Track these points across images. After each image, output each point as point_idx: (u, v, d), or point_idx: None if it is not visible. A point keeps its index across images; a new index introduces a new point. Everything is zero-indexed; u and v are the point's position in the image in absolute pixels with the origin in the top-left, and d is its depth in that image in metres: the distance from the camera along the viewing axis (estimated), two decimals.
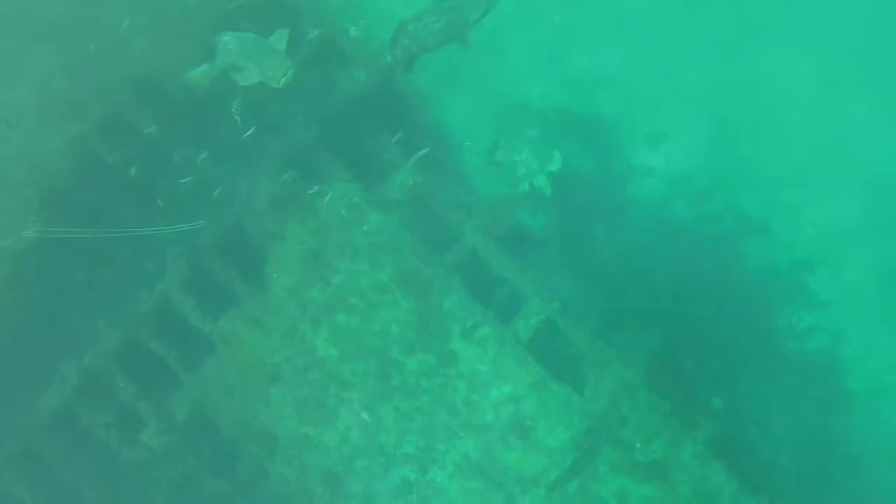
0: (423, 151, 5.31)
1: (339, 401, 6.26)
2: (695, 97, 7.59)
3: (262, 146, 6.53)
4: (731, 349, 7.48)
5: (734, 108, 7.55)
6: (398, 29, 4.49)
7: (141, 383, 6.71)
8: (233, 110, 6.18)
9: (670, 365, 5.87)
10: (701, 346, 7.40)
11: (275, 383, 6.43)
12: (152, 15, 6.78)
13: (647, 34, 7.60)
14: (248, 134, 5.97)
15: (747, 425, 7.13)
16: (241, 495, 6.23)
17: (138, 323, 6.77)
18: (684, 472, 5.69)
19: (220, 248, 6.65)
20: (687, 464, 5.70)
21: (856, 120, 7.47)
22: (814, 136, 7.49)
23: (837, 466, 7.26)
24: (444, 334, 6.27)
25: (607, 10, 7.45)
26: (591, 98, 7.67)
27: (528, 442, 5.91)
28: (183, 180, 6.50)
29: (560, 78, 7.71)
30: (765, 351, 7.63)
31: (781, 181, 7.48)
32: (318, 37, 6.67)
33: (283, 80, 4.73)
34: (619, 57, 7.62)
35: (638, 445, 5.72)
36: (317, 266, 6.45)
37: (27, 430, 6.62)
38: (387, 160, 6.49)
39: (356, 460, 6.11)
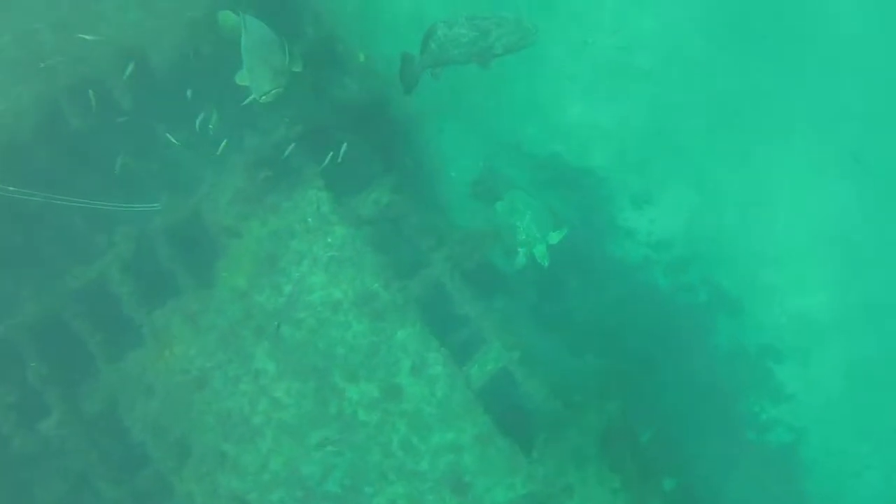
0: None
1: (266, 420, 5.74)
2: (686, 164, 7.50)
3: (238, 139, 6.19)
4: (692, 428, 7.17)
5: (722, 180, 7.47)
6: (429, 32, 4.32)
7: (53, 365, 6.12)
8: (209, 126, 5.89)
9: (626, 436, 5.51)
10: (660, 420, 7.08)
11: (200, 390, 5.90)
12: None
13: (648, 95, 7.55)
14: (220, 148, 5.68)
15: None
16: None
17: (65, 299, 6.22)
18: None
19: (172, 234, 6.20)
20: None
21: (841, 210, 7.43)
22: (798, 221, 7.43)
23: None
24: (393, 366, 5.85)
25: (611, 65, 7.39)
26: (583, 149, 7.53)
27: (463, 499, 5.46)
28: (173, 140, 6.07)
29: (555, 123, 7.58)
30: (725, 435, 7.34)
31: (760, 261, 7.36)
32: (321, 42, 6.47)
33: (264, 98, 4.45)
34: (617, 113, 7.53)
35: None
36: (271, 271, 6.03)
37: None
38: (364, 174, 6.17)
39: (273, 491, 5.56)
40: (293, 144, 5.84)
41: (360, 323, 5.89)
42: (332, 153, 5.63)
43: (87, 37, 5.89)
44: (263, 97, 4.48)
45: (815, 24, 7.56)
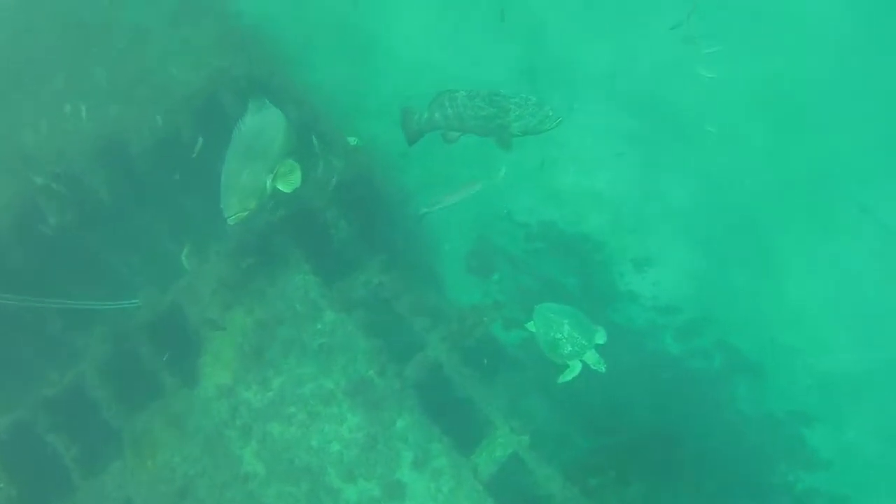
0: None
1: None
2: (687, 225, 7.31)
3: (218, 224, 5.99)
4: None
5: (728, 239, 7.24)
6: (448, 94, 4.19)
7: (24, 486, 5.62)
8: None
9: None
10: (686, 501, 6.49)
11: (183, 501, 5.37)
12: (131, 81, 6.55)
13: (640, 157, 7.47)
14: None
15: None
16: None
17: (39, 409, 5.80)
18: None
19: (152, 331, 5.87)
20: None
21: (854, 265, 7.17)
22: (811, 279, 7.14)
23: None
24: (393, 460, 5.37)
25: (598, 130, 7.37)
26: (577, 215, 7.37)
27: None
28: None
29: (547, 192, 7.46)
30: None
31: (776, 322, 7.00)
32: (304, 124, 6.43)
33: (231, 219, 4.08)
34: (610, 177, 7.43)
35: None
36: (258, 364, 5.65)
37: None
38: (352, 256, 5.94)
39: None
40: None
41: (354, 415, 5.47)
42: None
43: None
44: (230, 219, 4.06)
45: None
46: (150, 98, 6.37)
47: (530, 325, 5.42)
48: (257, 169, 4.07)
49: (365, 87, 7.75)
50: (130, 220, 6.49)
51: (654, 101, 7.73)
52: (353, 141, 6.37)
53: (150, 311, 5.82)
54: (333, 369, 5.55)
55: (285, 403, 5.53)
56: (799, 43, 7.89)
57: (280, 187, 4.17)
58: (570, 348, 5.22)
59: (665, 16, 7.54)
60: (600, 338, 5.22)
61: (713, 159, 7.46)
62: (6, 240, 6.27)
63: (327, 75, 7.64)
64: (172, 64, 6.69)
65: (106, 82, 6.55)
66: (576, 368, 5.33)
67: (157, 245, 6.60)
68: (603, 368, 5.27)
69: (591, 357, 5.25)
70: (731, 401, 6.82)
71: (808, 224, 7.33)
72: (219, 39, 6.69)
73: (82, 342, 6.25)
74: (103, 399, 5.74)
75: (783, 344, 6.95)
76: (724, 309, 7.10)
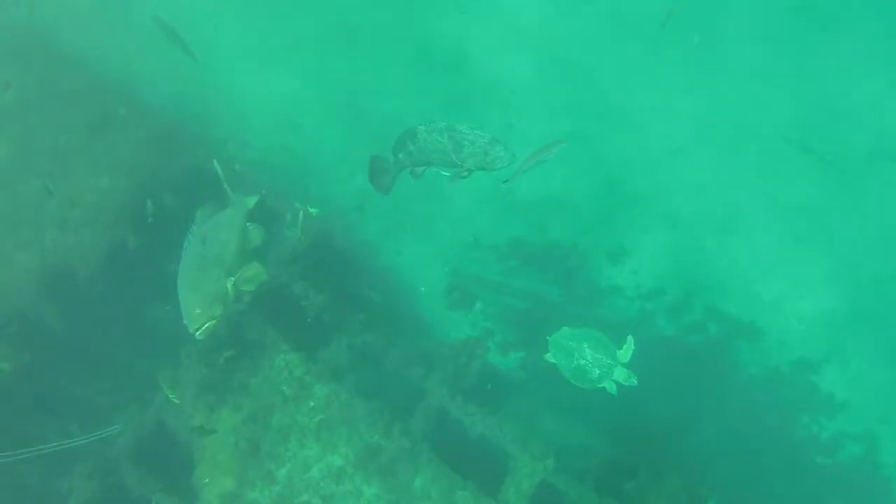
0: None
1: None
2: (646, 208, 7.35)
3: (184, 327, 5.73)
4: (757, 476, 6.43)
5: (688, 211, 7.29)
6: (409, 133, 4.13)
7: None
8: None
9: None
10: (721, 479, 6.33)
11: None
12: (62, 204, 6.30)
13: (585, 152, 7.53)
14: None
15: None
16: None
17: None
18: None
19: (138, 454, 5.51)
20: None
21: (812, 204, 7.28)
22: (776, 227, 7.21)
23: None
24: None
25: (540, 137, 7.40)
26: (542, 224, 7.33)
27: None
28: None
29: (507, 208, 7.42)
30: (794, 472, 6.60)
31: (755, 278, 7.03)
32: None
33: (199, 333, 3.95)
34: (562, 177, 7.44)
35: None
36: (257, 460, 5.35)
37: None
38: (330, 322, 5.74)
39: None
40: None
41: (370, 486, 5.19)
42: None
43: None
44: (197, 332, 3.89)
45: None
46: (85, 217, 6.14)
47: (548, 357, 5.20)
48: (216, 275, 3.89)
49: (304, 151, 7.66)
50: (92, 345, 6.15)
51: (583, 99, 7.85)
52: (313, 211, 6.26)
53: (133, 434, 5.48)
54: (338, 444, 5.28)
55: (296, 493, 5.22)
56: None
57: (244, 288, 4.00)
58: (597, 371, 4.99)
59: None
60: (625, 354, 5.01)
61: (652, 137, 7.57)
62: None
63: (263, 148, 7.55)
64: (103, 177, 6.48)
65: (34, 212, 6.30)
66: (611, 390, 5.10)
67: (125, 364, 6.26)
68: (636, 382, 5.05)
69: (622, 374, 5.03)
70: (736, 367, 6.77)
71: (758, 170, 7.44)
72: (144, 140, 6.53)
73: (65, 487, 5.84)
74: None
75: (768, 297, 6.98)
76: (704, 277, 7.11)
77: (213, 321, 3.81)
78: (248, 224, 4.22)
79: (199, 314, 3.76)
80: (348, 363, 5.50)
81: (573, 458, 5.63)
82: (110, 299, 6.19)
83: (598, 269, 7.23)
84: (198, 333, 3.85)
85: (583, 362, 5.05)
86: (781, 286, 6.99)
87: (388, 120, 7.89)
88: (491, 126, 5.30)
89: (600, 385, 5.07)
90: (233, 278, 3.94)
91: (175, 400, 5.11)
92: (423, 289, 7.22)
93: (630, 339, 5.09)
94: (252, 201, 4.52)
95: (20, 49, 6.97)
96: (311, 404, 5.41)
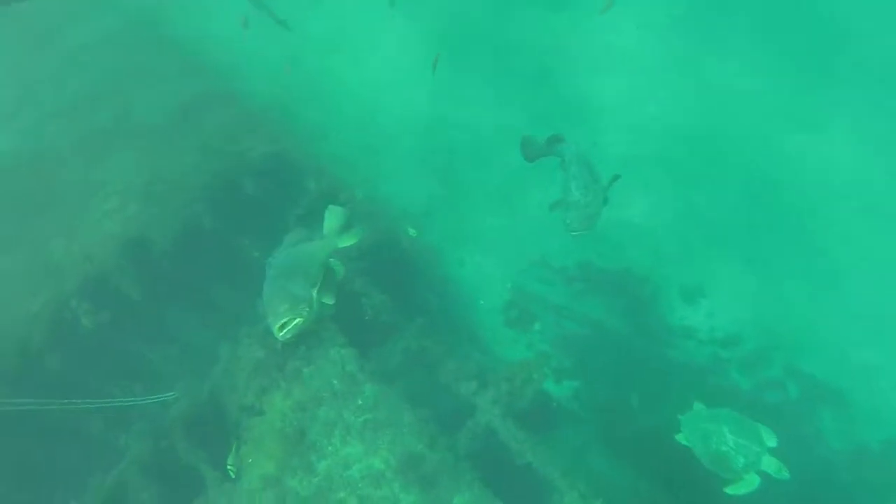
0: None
1: None
2: (732, 249, 6.88)
3: (251, 307, 5.86)
4: None
5: (777, 252, 6.75)
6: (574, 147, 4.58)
7: None
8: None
9: None
10: None
11: None
12: (148, 178, 6.62)
13: (670, 182, 7.16)
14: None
15: None
16: None
17: None
18: None
19: (190, 423, 5.66)
20: None
21: None
22: (879, 282, 6.55)
23: None
24: None
25: (623, 161, 7.11)
26: (615, 250, 7.02)
27: None
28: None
29: None
30: None
31: (847, 338, 6.41)
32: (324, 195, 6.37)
33: (283, 333, 3.95)
34: (643, 206, 7.11)
35: None
36: (300, 449, 5.34)
37: None
38: (388, 323, 5.69)
39: None
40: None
41: (408, 494, 5.06)
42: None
43: None
44: (282, 333, 3.86)
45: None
46: (168, 192, 6.42)
47: (681, 438, 4.77)
48: (301, 282, 3.90)
49: (381, 151, 7.72)
50: (162, 314, 6.42)
51: (673, 125, 7.49)
52: (412, 233, 6.35)
53: (188, 403, 5.64)
54: (380, 447, 5.19)
55: (334, 489, 5.17)
56: None
57: (325, 300, 4.00)
58: (742, 460, 4.42)
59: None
60: (771, 439, 4.43)
61: (743, 174, 7.09)
62: (43, 346, 6.26)
63: (343, 144, 7.66)
64: (188, 155, 6.77)
65: (123, 184, 6.64)
66: (753, 482, 4.46)
67: (191, 335, 6.49)
68: (787, 475, 4.42)
69: (771, 464, 4.42)
70: (818, 436, 6.17)
71: (862, 222, 6.80)
72: (233, 124, 6.76)
73: (122, 441, 6.11)
74: (146, 500, 5.51)
75: (860, 362, 6.33)
76: (788, 331, 6.55)
77: (300, 319, 3.78)
78: (330, 260, 4.22)
79: (285, 310, 3.75)
80: (401, 366, 5.43)
81: (622, 501, 5.31)
82: (182, 273, 6.43)
83: (670, 305, 6.83)
84: (282, 333, 3.81)
85: (724, 448, 4.45)
86: (880, 356, 6.32)
87: (466, 129, 7.85)
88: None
89: (744, 475, 4.44)
90: (316, 288, 3.94)
91: (232, 473, 5.18)
92: (482, 302, 7.08)
93: (770, 431, 4.49)
94: (346, 241, 4.49)
95: (128, 32, 7.42)
96: (360, 402, 5.36)
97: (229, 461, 5.18)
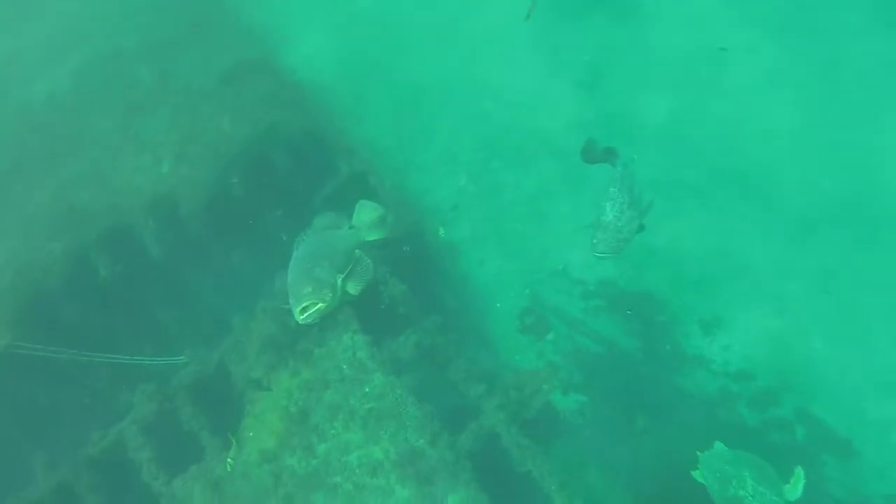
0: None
1: None
2: (758, 284, 6.78)
3: (269, 281, 5.86)
4: None
5: (805, 298, 6.64)
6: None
7: None
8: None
9: None
10: None
11: None
12: (183, 138, 6.62)
13: (704, 211, 7.06)
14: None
15: None
16: None
17: (81, 469, 5.64)
18: None
19: (196, 390, 5.68)
20: None
21: None
22: None
23: None
24: None
25: (657, 183, 7.00)
26: (638, 272, 6.94)
27: None
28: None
29: None
30: None
31: (864, 392, 6.30)
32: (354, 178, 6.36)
33: (304, 317, 3.78)
34: (671, 231, 7.01)
35: None
36: (303, 429, 5.36)
37: None
38: (404, 313, 5.67)
39: None
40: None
41: (404, 487, 5.06)
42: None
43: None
44: (302, 315, 3.72)
45: None
46: (202, 154, 6.42)
47: (697, 475, 4.67)
48: (327, 267, 3.82)
49: (415, 141, 7.68)
50: (180, 276, 6.44)
51: (716, 154, 7.37)
52: (441, 233, 6.31)
53: (196, 369, 5.66)
54: (382, 437, 5.19)
55: (331, 473, 5.18)
56: None
57: (349, 290, 3.91)
58: None
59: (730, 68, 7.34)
60: (795, 490, 4.29)
61: (784, 212, 6.97)
62: (58, 293, 6.31)
63: (378, 129, 7.62)
64: (225, 120, 6.77)
65: (157, 140, 6.67)
66: None
67: (205, 302, 6.51)
68: None
69: None
70: (819, 482, 6.08)
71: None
72: (272, 95, 6.75)
73: (126, 399, 6.14)
74: (144, 461, 5.54)
75: (874, 418, 6.22)
76: (804, 375, 6.45)
77: (323, 305, 3.70)
78: (357, 252, 4.14)
79: (308, 293, 3.66)
80: (412, 360, 5.41)
81: None
82: (205, 237, 6.44)
83: (686, 334, 6.75)
84: (303, 316, 3.73)
85: (741, 493, 4.32)
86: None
87: (507, 129, 7.78)
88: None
89: None
90: (342, 275, 3.86)
91: (230, 465, 5.18)
92: (498, 305, 7.03)
93: (800, 471, 4.31)
94: (374, 236, 4.42)
95: None
96: (367, 390, 5.36)
97: (230, 455, 5.19)
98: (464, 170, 7.39)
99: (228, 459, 5.23)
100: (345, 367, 5.48)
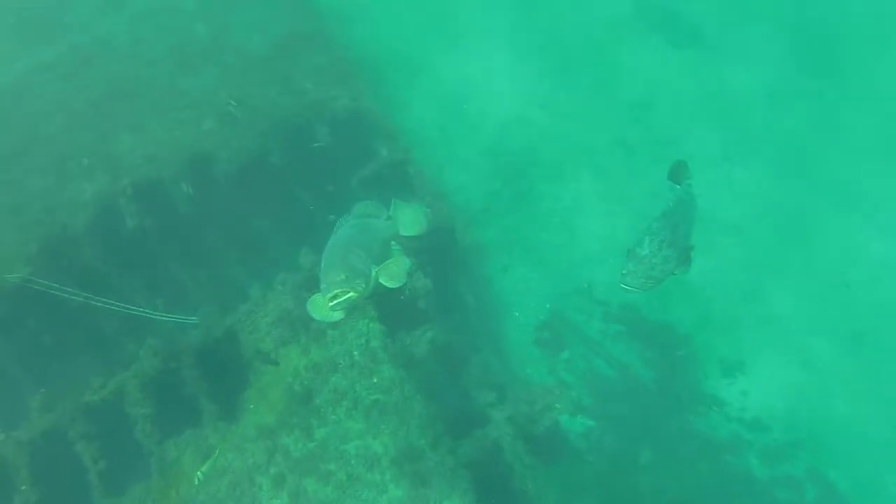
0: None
1: None
2: (785, 334, 6.58)
3: (292, 255, 5.76)
4: None
5: (834, 356, 6.43)
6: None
7: (47, 492, 5.34)
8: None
9: None
10: None
11: None
12: (228, 99, 6.55)
13: (740, 252, 6.87)
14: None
15: None
16: None
17: (75, 414, 5.56)
18: None
19: (203, 353, 5.58)
20: None
21: None
22: None
23: None
24: None
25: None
26: (662, 302, 6.76)
27: None
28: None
29: None
30: None
31: (885, 461, 6.07)
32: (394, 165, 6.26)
33: (333, 303, 3.63)
34: (704, 267, 6.81)
35: None
36: (304, 409, 5.23)
37: None
38: (423, 307, 5.53)
39: None
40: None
41: (398, 487, 4.91)
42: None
43: None
44: (332, 303, 3.58)
45: None
46: (246, 118, 6.35)
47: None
48: (363, 256, 3.68)
49: (456, 137, 7.57)
50: (203, 236, 6.36)
51: (755, 195, 7.17)
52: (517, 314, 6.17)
53: (206, 332, 5.57)
54: (383, 431, 5.05)
55: (326, 459, 5.05)
56: None
57: (383, 282, 3.76)
58: None
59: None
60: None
61: (826, 267, 6.75)
62: (81, 235, 6.26)
63: (422, 120, 7.52)
64: (273, 88, 6.70)
65: (203, 98, 6.61)
66: None
67: (225, 267, 6.43)
68: None
69: None
70: None
71: None
72: (322, 69, 6.66)
73: (132, 350, 6.07)
74: (140, 417, 5.46)
75: (892, 490, 6.00)
76: (823, 435, 6.23)
77: (355, 294, 3.55)
78: (395, 246, 4.00)
79: (341, 280, 3.51)
80: (425, 357, 5.27)
81: None
82: (236, 202, 6.36)
83: (705, 373, 6.55)
84: (333, 303, 3.59)
85: None
86: None
87: (550, 139, 7.65)
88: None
89: None
90: (377, 267, 3.72)
91: (199, 478, 5.04)
92: (517, 314, 6.89)
93: None
94: (409, 232, 4.28)
95: None
96: (375, 380, 5.22)
97: (201, 469, 5.06)
98: (501, 173, 7.27)
99: (198, 473, 5.12)
100: (356, 353, 5.34)
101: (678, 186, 4.22)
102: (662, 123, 7.51)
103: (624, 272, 4.22)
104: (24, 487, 5.35)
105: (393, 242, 4.00)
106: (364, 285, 3.57)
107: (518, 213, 7.22)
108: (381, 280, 3.75)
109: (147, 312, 5.80)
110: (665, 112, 7.56)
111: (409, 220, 4.31)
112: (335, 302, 3.54)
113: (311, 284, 5.58)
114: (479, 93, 7.84)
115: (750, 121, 7.45)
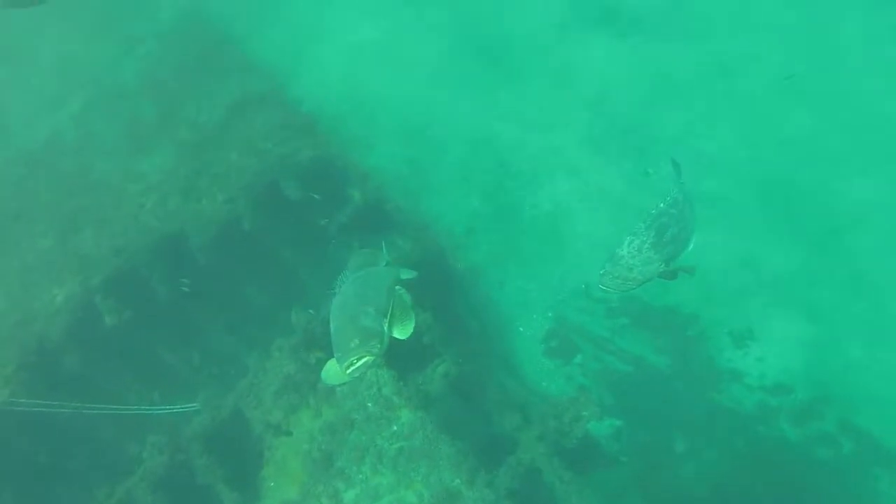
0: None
1: None
2: (788, 293, 6.57)
3: (283, 315, 5.56)
4: None
5: (837, 304, 6.42)
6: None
7: None
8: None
9: None
10: None
11: None
12: (190, 172, 6.41)
13: (726, 221, 6.88)
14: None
15: None
16: None
17: None
18: None
19: (210, 439, 5.32)
20: None
21: None
22: None
23: None
24: None
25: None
26: (663, 286, 6.68)
27: None
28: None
29: None
30: None
31: None
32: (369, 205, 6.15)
33: (350, 369, 3.37)
34: (696, 244, 6.80)
35: None
36: (327, 474, 5.00)
37: None
38: (428, 342, 5.37)
39: None
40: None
41: None
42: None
43: None
44: (349, 370, 3.37)
45: None
46: (210, 188, 6.20)
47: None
48: (373, 313, 3.48)
49: (426, 165, 7.50)
50: (189, 315, 6.13)
51: (734, 165, 7.23)
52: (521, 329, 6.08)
53: (210, 416, 5.31)
54: (414, 479, 4.84)
55: None
56: None
57: (396, 335, 3.58)
58: None
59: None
60: None
61: (807, 217, 6.81)
62: (61, 343, 5.97)
63: (389, 155, 7.44)
64: (232, 153, 6.57)
65: (163, 178, 6.46)
66: None
67: (217, 342, 6.20)
68: None
69: None
70: (873, 498, 5.78)
71: None
72: (280, 126, 6.57)
73: (135, 451, 5.76)
74: None
75: None
76: (845, 385, 6.19)
77: (370, 357, 3.35)
78: (398, 287, 3.85)
79: (356, 346, 3.31)
80: (441, 393, 5.10)
81: None
82: (215, 274, 6.16)
83: (718, 347, 6.49)
84: (349, 370, 3.38)
85: None
86: None
87: (516, 149, 7.64)
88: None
89: None
90: (387, 320, 3.53)
91: None
92: (521, 328, 6.76)
93: None
94: (407, 274, 4.14)
95: (186, 26, 7.28)
96: (395, 428, 5.02)
97: None
98: (477, 191, 7.21)
99: None
100: (370, 404, 5.15)
101: (674, 187, 4.11)
102: (622, 112, 7.57)
103: (601, 272, 4.06)
104: None
105: (400, 288, 3.82)
106: (380, 346, 3.35)
107: (502, 227, 7.16)
108: (394, 334, 3.55)
109: (144, 409, 5.52)
110: (622, 101, 7.63)
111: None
112: (352, 368, 3.31)
113: (310, 344, 5.42)
114: (438, 118, 7.82)
115: (707, 94, 7.55)
